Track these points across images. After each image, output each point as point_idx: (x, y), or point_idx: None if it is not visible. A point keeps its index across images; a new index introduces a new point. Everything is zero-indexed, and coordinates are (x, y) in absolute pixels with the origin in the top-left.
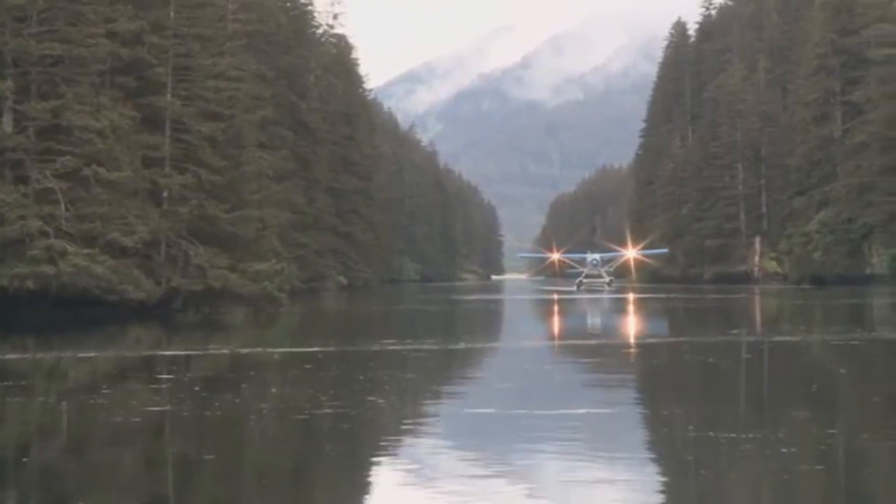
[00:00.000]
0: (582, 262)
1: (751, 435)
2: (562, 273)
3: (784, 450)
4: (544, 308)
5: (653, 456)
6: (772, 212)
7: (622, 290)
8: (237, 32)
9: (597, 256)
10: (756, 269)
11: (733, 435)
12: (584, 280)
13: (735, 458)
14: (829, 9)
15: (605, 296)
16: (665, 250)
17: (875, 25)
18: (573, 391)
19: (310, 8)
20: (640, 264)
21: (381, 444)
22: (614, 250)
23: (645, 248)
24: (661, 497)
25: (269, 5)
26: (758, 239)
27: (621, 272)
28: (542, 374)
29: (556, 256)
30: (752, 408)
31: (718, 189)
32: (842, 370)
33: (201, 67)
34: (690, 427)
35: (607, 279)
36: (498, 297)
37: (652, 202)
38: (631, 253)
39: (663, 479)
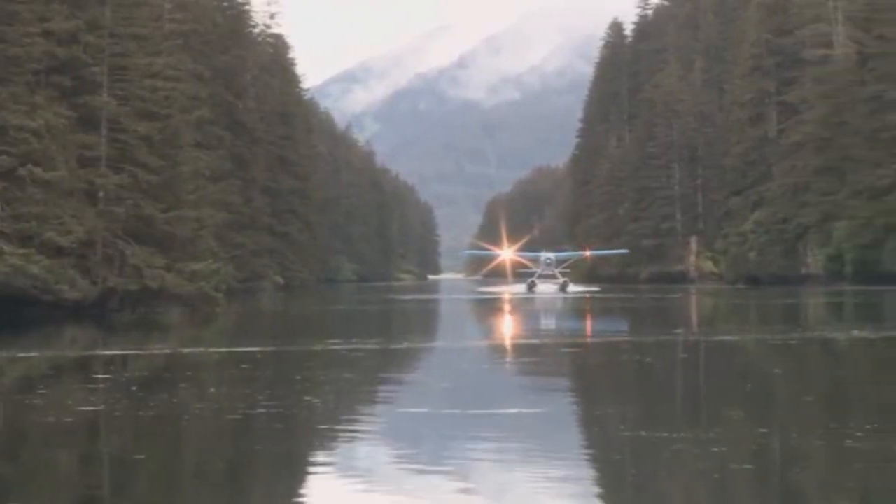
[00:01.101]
0: (535, 262)
1: (682, 434)
2: (513, 273)
3: (715, 449)
4: (483, 308)
5: (581, 455)
6: (708, 212)
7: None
8: (173, 32)
9: (551, 255)
10: (692, 268)
11: (665, 434)
12: (537, 281)
13: (665, 457)
14: (764, 9)
15: (550, 296)
16: (625, 251)
17: (810, 25)
18: (508, 391)
19: (246, 7)
20: (572, 264)
21: (314, 443)
22: (569, 250)
23: (602, 247)
24: (587, 496)
25: (206, 5)
26: (694, 239)
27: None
28: (479, 374)
29: (506, 255)
30: (686, 407)
31: (655, 189)
32: (776, 370)
33: (137, 67)
34: (622, 427)
35: (562, 280)
36: (437, 297)
37: (589, 202)
38: (587, 253)
39: (591, 478)
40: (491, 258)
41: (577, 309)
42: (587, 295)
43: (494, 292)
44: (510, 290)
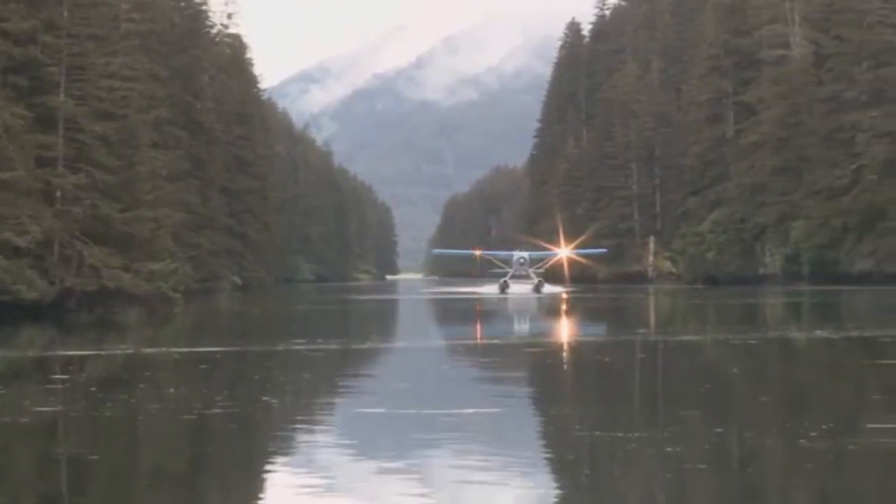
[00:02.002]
0: (508, 262)
1: (638, 434)
2: (484, 273)
3: (669, 449)
4: (443, 308)
5: (534, 455)
6: (666, 212)
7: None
8: (131, 32)
9: (525, 255)
10: (650, 268)
11: (620, 434)
12: (510, 281)
13: (619, 457)
14: (721, 10)
15: (522, 297)
16: (604, 250)
17: (767, 26)
18: (466, 391)
19: (204, 7)
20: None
21: (267, 444)
22: (544, 248)
23: (579, 246)
24: (539, 496)
25: (163, 5)
26: (652, 239)
27: None
28: (438, 374)
29: (478, 254)
30: (642, 407)
31: (613, 189)
32: (734, 370)
33: (95, 67)
34: (577, 426)
35: (536, 280)
36: (399, 297)
37: (547, 202)
38: (565, 252)
39: (543, 478)
40: (464, 257)
41: (536, 309)
42: (564, 295)
43: (461, 293)
44: (479, 291)
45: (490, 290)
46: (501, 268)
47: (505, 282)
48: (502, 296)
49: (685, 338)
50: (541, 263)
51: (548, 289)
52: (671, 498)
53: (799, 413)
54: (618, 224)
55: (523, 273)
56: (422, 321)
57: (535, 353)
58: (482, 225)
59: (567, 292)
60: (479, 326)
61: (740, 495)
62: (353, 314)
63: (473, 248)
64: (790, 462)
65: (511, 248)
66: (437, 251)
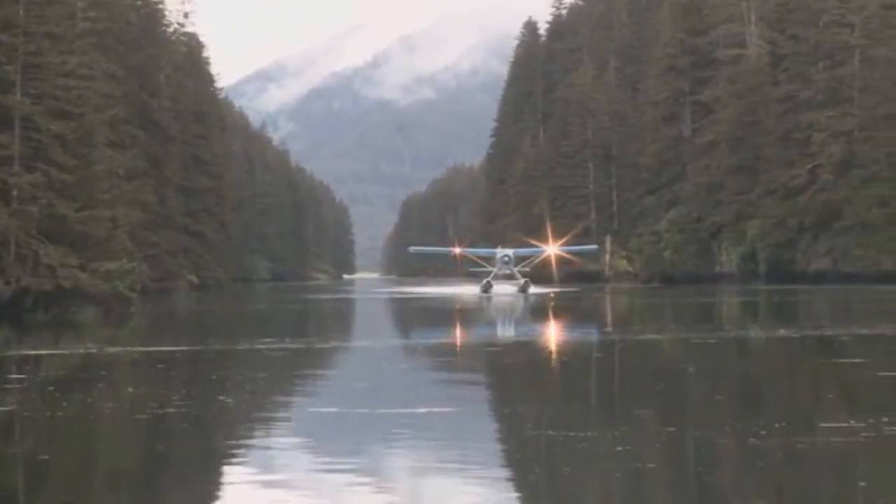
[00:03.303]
0: (490, 260)
1: (589, 433)
2: (464, 272)
3: (620, 448)
4: (402, 307)
5: (483, 455)
6: (622, 211)
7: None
8: (87, 30)
9: (509, 252)
10: (607, 267)
11: (572, 433)
12: (493, 281)
13: (569, 456)
14: (678, 9)
15: (507, 298)
16: (594, 247)
17: (723, 25)
18: (422, 390)
19: (160, 6)
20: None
21: (218, 443)
22: (530, 245)
23: (567, 243)
24: (484, 495)
25: (119, 3)
26: (609, 238)
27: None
28: (396, 374)
29: (457, 252)
30: (596, 406)
31: (569, 188)
32: (690, 368)
33: (51, 66)
34: (530, 426)
35: (522, 280)
36: (355, 296)
37: (504, 201)
38: (552, 249)
39: (490, 477)
40: (443, 255)
41: (495, 308)
42: (551, 294)
43: (431, 294)
44: (454, 291)
45: (456, 290)
46: (483, 266)
47: (488, 282)
48: (485, 296)
49: (642, 337)
50: (526, 262)
51: (535, 290)
52: (618, 497)
53: (753, 412)
54: (574, 223)
55: (507, 273)
56: (382, 320)
57: (493, 352)
58: (440, 224)
59: (554, 292)
60: (436, 325)
61: (687, 494)
62: (312, 314)
63: (452, 245)
64: (739, 461)
65: (491, 247)
66: (413, 248)
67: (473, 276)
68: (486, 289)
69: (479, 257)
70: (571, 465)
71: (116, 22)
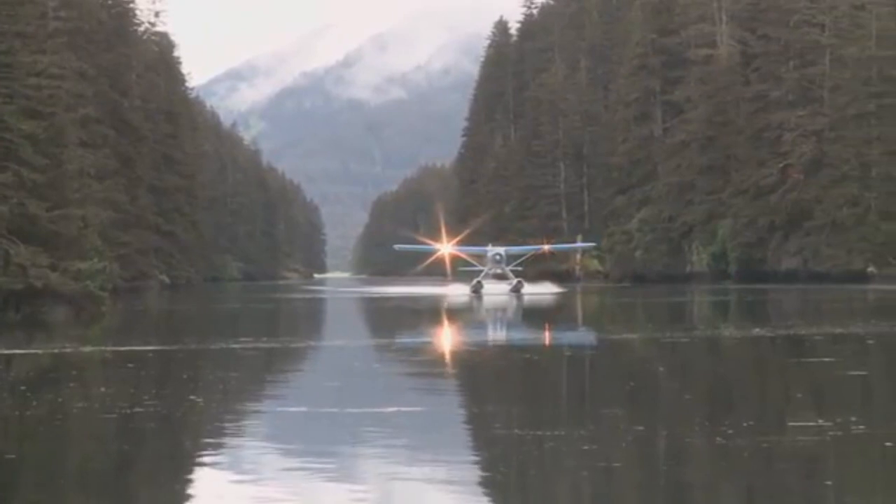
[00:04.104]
0: (481, 259)
1: (557, 432)
2: (454, 271)
3: (586, 447)
4: (375, 306)
5: (449, 454)
6: (593, 210)
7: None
8: (58, 30)
9: (500, 251)
10: (578, 267)
11: (539, 433)
12: (484, 281)
13: (536, 455)
14: (649, 9)
15: (500, 298)
16: (592, 244)
17: (694, 25)
18: (393, 389)
19: (131, 6)
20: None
21: (184, 442)
22: (523, 243)
23: (564, 241)
24: (452, 494)
25: (90, 3)
26: (579, 237)
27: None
28: (368, 373)
29: (445, 249)
30: (565, 406)
31: (540, 188)
32: (660, 368)
33: (22, 65)
34: (498, 425)
35: (514, 280)
36: (328, 296)
37: (475, 201)
38: (546, 247)
39: (455, 477)
40: (428, 254)
41: (468, 308)
42: (548, 295)
43: (409, 295)
44: (433, 291)
45: (431, 290)
46: (473, 265)
47: (478, 282)
48: (475, 297)
49: (613, 336)
50: (520, 260)
51: (529, 289)
52: (582, 495)
53: (721, 411)
54: (546, 223)
55: (499, 272)
56: (355, 320)
57: (467, 351)
58: (411, 223)
59: (551, 293)
60: (409, 325)
61: (651, 493)
62: (289, 313)
63: (438, 242)
64: (705, 460)
65: (481, 244)
66: (398, 246)
67: (462, 276)
68: (477, 289)
69: (468, 255)
70: (537, 465)
71: (87, 21)
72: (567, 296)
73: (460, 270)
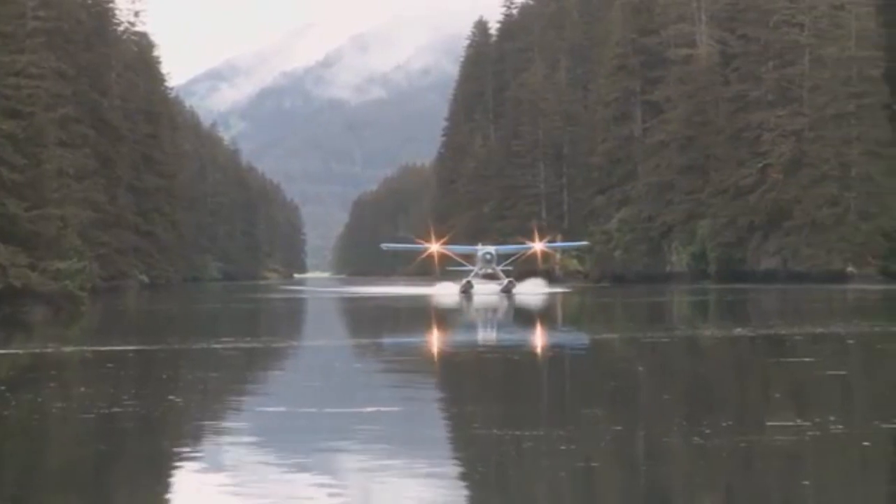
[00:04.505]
0: (471, 258)
1: (535, 432)
2: (442, 270)
3: (564, 447)
4: (351, 306)
5: (425, 453)
6: (573, 210)
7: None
8: (37, 29)
9: (491, 250)
10: (557, 267)
11: (517, 432)
12: (474, 281)
13: (512, 455)
14: (628, 9)
15: (490, 299)
16: (585, 243)
17: (674, 25)
18: (373, 389)
19: (111, 5)
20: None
21: (161, 442)
22: (515, 242)
23: (555, 239)
24: (426, 494)
25: (70, 2)
26: (559, 237)
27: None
28: (348, 373)
29: (434, 248)
30: (545, 406)
31: (520, 188)
32: (640, 368)
33: (1, 64)
34: (476, 425)
35: (505, 280)
36: (308, 296)
37: (455, 200)
38: (539, 245)
39: (430, 476)
40: (416, 252)
41: (446, 308)
42: (539, 297)
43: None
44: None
45: (415, 290)
46: (463, 265)
47: (468, 282)
48: (464, 297)
49: (594, 336)
50: (511, 259)
51: (521, 289)
52: (558, 495)
53: (700, 411)
54: (525, 223)
55: (490, 272)
56: (336, 320)
57: (447, 352)
58: (391, 223)
59: (546, 293)
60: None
61: (627, 493)
62: (267, 312)
63: (427, 241)
64: (682, 459)
65: (472, 243)
66: (386, 245)
67: (451, 275)
68: (467, 289)
69: (458, 255)
70: (515, 464)
71: (67, 21)
72: (566, 296)
73: (449, 270)
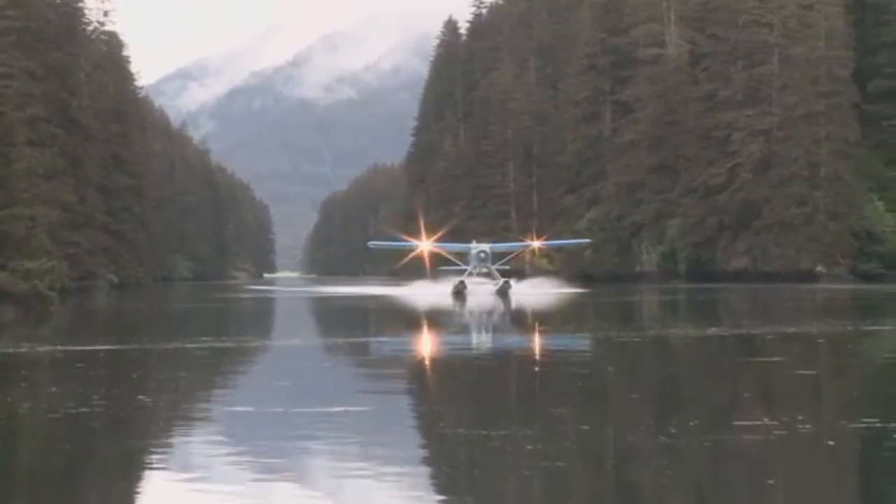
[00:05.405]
0: (464, 257)
1: (501, 432)
2: (434, 270)
3: (530, 446)
4: (327, 305)
5: (391, 452)
6: (543, 210)
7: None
8: (6, 29)
9: (485, 248)
10: (527, 266)
11: (483, 432)
12: (467, 280)
13: (477, 454)
14: (597, 8)
15: (470, 298)
16: (587, 240)
17: (643, 25)
18: (343, 389)
19: (80, 5)
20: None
21: (127, 442)
22: (511, 240)
23: (551, 238)
24: (394, 493)
25: (38, 2)
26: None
27: None
28: (318, 373)
29: (424, 246)
30: (513, 405)
31: (490, 187)
32: (610, 367)
33: None
34: (442, 424)
35: (501, 280)
36: (277, 295)
37: (424, 200)
38: (536, 243)
39: (393, 475)
40: (406, 251)
41: (424, 307)
42: (536, 298)
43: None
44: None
45: (384, 290)
46: (457, 264)
47: (462, 282)
48: (457, 299)
49: (565, 336)
50: (506, 258)
51: (518, 288)
52: (522, 495)
53: (668, 410)
54: (495, 222)
55: (484, 271)
56: (308, 319)
57: (418, 352)
58: (360, 223)
59: (548, 294)
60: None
61: (593, 492)
62: (240, 312)
63: (416, 239)
64: (648, 459)
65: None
66: (373, 244)
67: (438, 274)
68: (460, 290)
69: (450, 253)
70: (480, 464)
71: (35, 20)
72: (564, 297)
73: (440, 269)
